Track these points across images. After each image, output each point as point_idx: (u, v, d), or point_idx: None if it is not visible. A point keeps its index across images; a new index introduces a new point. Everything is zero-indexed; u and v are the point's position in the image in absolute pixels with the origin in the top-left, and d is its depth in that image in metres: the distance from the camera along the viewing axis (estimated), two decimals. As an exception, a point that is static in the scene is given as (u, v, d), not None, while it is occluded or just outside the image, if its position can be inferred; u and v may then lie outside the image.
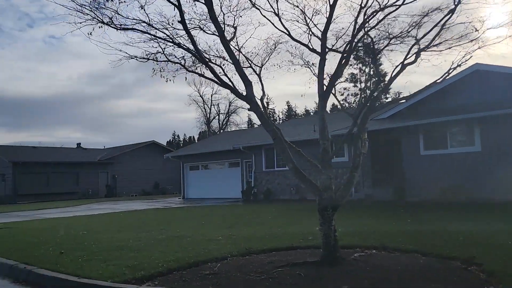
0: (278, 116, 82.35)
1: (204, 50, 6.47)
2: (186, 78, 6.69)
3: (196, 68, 6.19)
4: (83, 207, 23.32)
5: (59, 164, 34.25)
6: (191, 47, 5.77)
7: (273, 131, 5.61)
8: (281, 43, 7.53)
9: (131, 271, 5.76)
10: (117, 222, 13.39)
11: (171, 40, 5.50)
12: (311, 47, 6.12)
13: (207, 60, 5.69)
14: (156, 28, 5.79)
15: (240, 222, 11.62)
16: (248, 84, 5.61)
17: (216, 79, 5.65)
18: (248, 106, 6.04)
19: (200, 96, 69.13)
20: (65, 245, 8.31)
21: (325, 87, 5.79)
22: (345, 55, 5.73)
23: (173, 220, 13.29)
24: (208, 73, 6.12)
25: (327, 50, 5.85)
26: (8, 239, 9.71)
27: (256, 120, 79.80)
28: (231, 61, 5.62)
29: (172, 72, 6.45)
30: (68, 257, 7.03)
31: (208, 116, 71.27)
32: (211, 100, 69.80)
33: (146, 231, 10.08)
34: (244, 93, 5.80)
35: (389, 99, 42.87)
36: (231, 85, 5.84)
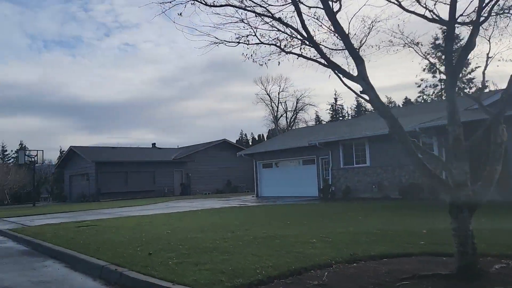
0: (347, 112, 79.91)
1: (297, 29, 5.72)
2: (279, 63, 6.01)
3: (293, 49, 5.45)
4: (161, 205, 23.76)
5: (137, 163, 35.62)
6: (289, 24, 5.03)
7: (391, 118, 4.71)
8: (379, 21, 6.58)
9: (228, 278, 5.17)
10: (198, 221, 13.13)
11: (270, 15, 4.81)
12: (431, 17, 5.11)
13: (311, 36, 4.92)
14: (249, 6, 5.13)
15: (327, 222, 10.77)
16: (360, 61, 4.77)
17: (321, 59, 4.87)
18: (350, 92, 5.19)
19: (268, 94, 68.91)
20: (152, 245, 8.02)
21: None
22: (481, 19, 4.68)
23: (254, 220, 12.75)
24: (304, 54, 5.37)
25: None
26: (96, 238, 9.70)
27: (324, 117, 78.09)
28: (338, 37, 4.80)
29: (262, 58, 5.81)
30: (157, 258, 6.65)
31: (275, 114, 70.94)
32: (278, 98, 69.40)
33: (231, 231, 9.59)
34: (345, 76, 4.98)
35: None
36: (337, 64, 5.01)
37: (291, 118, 71.52)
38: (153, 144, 45.85)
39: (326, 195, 21.70)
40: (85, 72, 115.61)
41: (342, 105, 79.17)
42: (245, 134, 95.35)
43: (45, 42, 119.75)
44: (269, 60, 5.46)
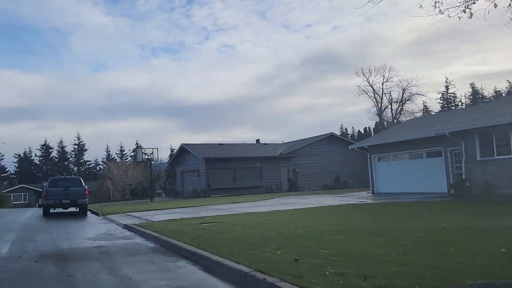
0: (460, 100, 72.18)
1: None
2: None
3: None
4: (272, 202, 23.12)
5: (244, 159, 35.73)
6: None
7: None
8: None
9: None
10: (324, 219, 11.95)
11: None
12: None
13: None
14: None
15: (498, 225, 8.80)
16: None
17: None
18: None
19: (370, 85, 65.35)
20: (290, 248, 7.02)
21: None
22: None
23: (387, 219, 11.18)
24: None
25: None
26: (223, 236, 9.04)
27: (433, 107, 71.60)
28: None
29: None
30: (306, 266, 5.59)
31: (379, 106, 66.99)
32: (382, 89, 65.37)
33: (374, 234, 8.21)
34: None
35: None
36: None
37: (396, 109, 67.01)
38: (257, 140, 45.91)
39: (458, 192, 18.99)
40: (188, 75, 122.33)
41: (454, 93, 71.91)
42: (346, 128, 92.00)
43: (153, 49, 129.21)
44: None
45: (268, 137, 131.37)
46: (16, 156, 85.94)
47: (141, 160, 33.30)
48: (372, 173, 25.85)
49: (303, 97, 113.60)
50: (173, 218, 15.16)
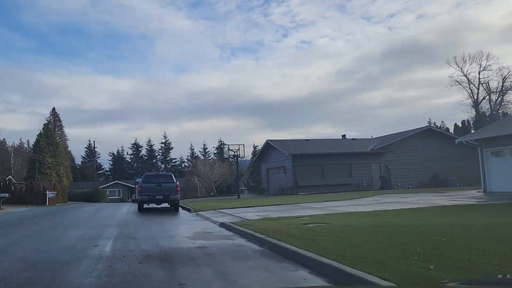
0: None
1: None
2: None
3: None
4: (369, 200, 21.36)
5: (332, 155, 34.09)
6: None
7: None
8: None
9: None
10: (458, 221, 10.16)
11: None
12: None
13: None
14: None
15: None
16: None
17: None
18: None
19: (464, 75, 59.74)
20: (442, 260, 5.55)
21: None
22: None
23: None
24: None
25: None
26: (338, 241, 7.77)
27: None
28: None
29: None
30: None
31: (475, 97, 61.00)
32: (479, 79, 59.41)
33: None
34: None
35: None
36: None
37: (496, 100, 60.54)
38: (343, 136, 43.88)
39: None
40: (267, 73, 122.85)
41: None
42: (434, 122, 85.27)
43: (232, 50, 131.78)
44: None
45: (348, 134, 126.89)
46: (111, 154, 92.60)
47: (227, 157, 33.22)
48: (483, 170, 22.84)
49: (386, 91, 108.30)
50: (270, 216, 14.26)
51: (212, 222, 14.38)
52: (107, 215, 19.35)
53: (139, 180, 40.07)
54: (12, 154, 77.59)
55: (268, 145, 37.80)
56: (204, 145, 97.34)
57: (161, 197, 21.10)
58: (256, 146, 64.40)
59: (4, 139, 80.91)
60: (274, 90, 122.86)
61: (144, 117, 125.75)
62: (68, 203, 52.05)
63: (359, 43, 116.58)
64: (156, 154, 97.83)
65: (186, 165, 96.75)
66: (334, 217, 13.05)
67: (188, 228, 12.79)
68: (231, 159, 34.77)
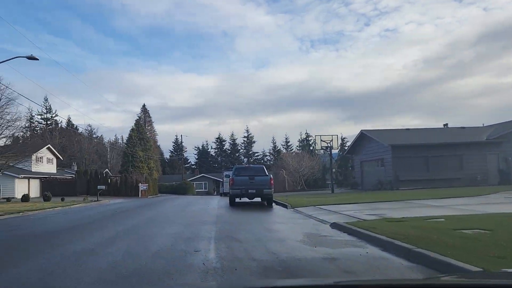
0: None
1: None
2: None
3: None
4: (497, 197, 17.79)
5: (438, 146, 30.16)
6: None
7: None
8: None
9: None
10: None
11: None
12: None
13: None
14: None
15: None
16: None
17: None
18: None
19: None
20: None
21: None
22: None
23: None
24: None
25: None
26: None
27: None
28: None
29: None
30: None
31: None
32: None
33: None
34: None
35: None
36: None
37: None
38: (445, 125, 39.19)
39: None
40: (348, 65, 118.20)
41: None
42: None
43: (311, 42, 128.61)
44: None
45: (437, 125, 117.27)
46: (196, 148, 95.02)
47: (319, 148, 30.91)
48: None
49: (481, 78, 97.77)
50: (388, 216, 11.83)
51: (319, 222, 12.30)
52: (199, 209, 18.19)
53: (227, 173, 39.37)
54: (109, 149, 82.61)
55: (363, 135, 34.62)
56: (286, 138, 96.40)
57: (254, 191, 19.51)
58: (344, 138, 61.16)
59: (101, 135, 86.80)
60: (355, 82, 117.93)
61: (225, 113, 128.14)
62: (158, 195, 53.53)
63: (450, 27, 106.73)
64: (239, 148, 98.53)
65: (268, 158, 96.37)
66: (483, 219, 10.20)
67: (295, 229, 10.85)
68: (322, 151, 32.28)
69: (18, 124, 32.21)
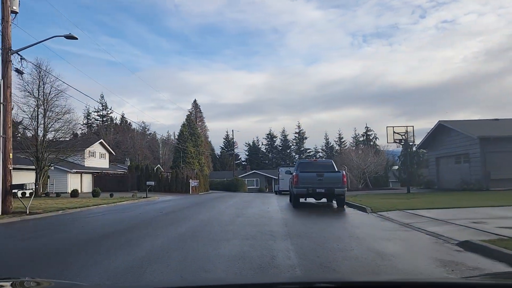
0: None
1: None
2: None
3: None
4: None
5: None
6: None
7: None
8: None
9: None
10: None
11: None
12: None
13: None
14: None
15: None
16: None
17: None
18: None
19: None
20: None
21: None
22: None
23: None
24: None
25: None
26: None
27: None
28: None
29: None
30: None
31: None
32: None
33: None
34: None
35: None
36: None
37: None
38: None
39: None
40: (401, 59, 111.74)
41: None
42: None
43: (364, 36, 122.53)
44: None
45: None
46: (246, 145, 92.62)
47: (392, 141, 26.66)
48: None
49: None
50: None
51: (433, 236, 8.53)
52: (259, 212, 14.86)
53: (282, 169, 35.98)
54: (161, 145, 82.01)
55: (441, 127, 29.64)
56: (339, 134, 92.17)
57: (323, 190, 15.93)
58: (401, 134, 54.91)
59: (154, 131, 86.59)
60: (410, 76, 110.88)
61: (276, 109, 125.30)
62: (209, 191, 51.24)
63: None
64: (290, 144, 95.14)
65: (321, 155, 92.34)
66: None
67: (411, 250, 7.25)
68: (396, 143, 27.95)
69: (68, 117, 30.64)
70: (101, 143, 48.36)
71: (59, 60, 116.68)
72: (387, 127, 26.37)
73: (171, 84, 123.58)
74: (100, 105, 78.96)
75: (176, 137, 67.96)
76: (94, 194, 29.34)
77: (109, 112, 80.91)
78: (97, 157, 46.87)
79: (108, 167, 49.18)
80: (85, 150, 43.39)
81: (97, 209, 18.43)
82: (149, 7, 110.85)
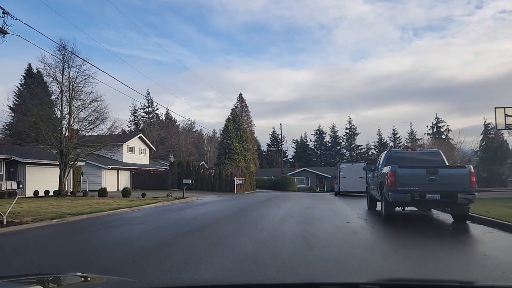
0: None
1: None
2: None
3: None
4: None
5: None
6: None
7: None
8: None
9: None
10: None
11: None
12: None
13: None
14: None
15: None
16: None
17: None
18: None
19: None
20: None
21: None
22: None
23: None
24: None
25: None
26: None
27: None
28: None
29: None
30: None
31: None
32: None
33: None
34: None
35: None
36: None
37: None
38: None
39: None
40: (455, 52, 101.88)
41: None
42: None
43: (414, 30, 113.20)
44: None
45: None
46: (294, 141, 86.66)
47: (503, 128, 19.65)
48: None
49: None
50: None
51: None
52: (338, 230, 8.99)
53: (344, 166, 29.81)
54: (206, 141, 77.91)
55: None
56: (393, 129, 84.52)
57: (438, 196, 9.84)
58: (489, 124, 46.63)
59: (200, 129, 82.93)
60: (464, 70, 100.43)
61: (322, 106, 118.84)
62: (256, 190, 45.96)
63: None
64: (340, 141, 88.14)
65: (374, 152, 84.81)
66: None
67: None
68: (506, 131, 20.98)
69: (96, 106, 26.14)
70: (140, 138, 44.28)
71: (112, 60, 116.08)
72: (495, 108, 19.47)
73: (216, 83, 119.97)
74: (146, 101, 76.06)
75: (221, 133, 63.24)
76: (124, 193, 24.70)
77: (155, 109, 77.94)
78: (136, 153, 42.79)
79: (148, 163, 45.05)
80: (123, 145, 39.37)
81: (112, 216, 13.50)
82: (196, 7, 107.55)
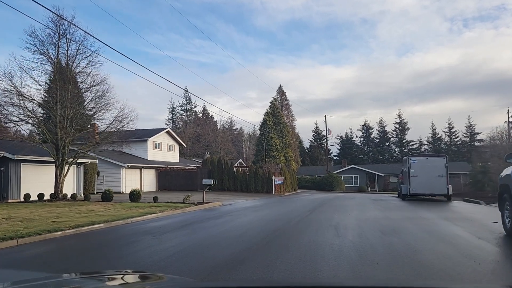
0: None
1: None
2: None
3: None
4: None
5: None
6: None
7: None
8: None
9: None
10: None
11: None
12: None
13: None
14: None
15: None
16: None
17: None
18: None
19: None
20: None
21: None
22: None
23: None
24: None
25: None
26: None
27: None
28: None
29: None
30: None
31: None
32: None
33: None
34: None
35: None
36: None
37: None
38: None
39: None
40: (510, 43, 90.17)
41: None
42: None
43: (464, 21, 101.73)
44: None
45: None
46: (339, 137, 79.28)
47: None
48: None
49: None
50: None
51: None
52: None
53: (415, 160, 22.82)
54: (244, 138, 72.43)
55: None
56: (449, 124, 75.31)
57: None
58: None
59: (241, 127, 78.00)
60: None
61: (365, 103, 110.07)
62: (297, 191, 39.60)
63: None
64: (389, 136, 79.65)
65: (427, 148, 75.90)
66: None
67: None
68: None
69: (104, 88, 20.71)
70: (168, 133, 39.12)
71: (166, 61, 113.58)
72: None
73: (258, 82, 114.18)
74: (184, 99, 71.63)
75: (259, 128, 57.15)
76: (132, 197, 19.21)
77: (193, 107, 73.46)
78: (164, 149, 37.62)
79: (177, 161, 39.77)
80: (148, 141, 34.28)
81: (85, 232, 7.73)
82: (236, 8, 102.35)
